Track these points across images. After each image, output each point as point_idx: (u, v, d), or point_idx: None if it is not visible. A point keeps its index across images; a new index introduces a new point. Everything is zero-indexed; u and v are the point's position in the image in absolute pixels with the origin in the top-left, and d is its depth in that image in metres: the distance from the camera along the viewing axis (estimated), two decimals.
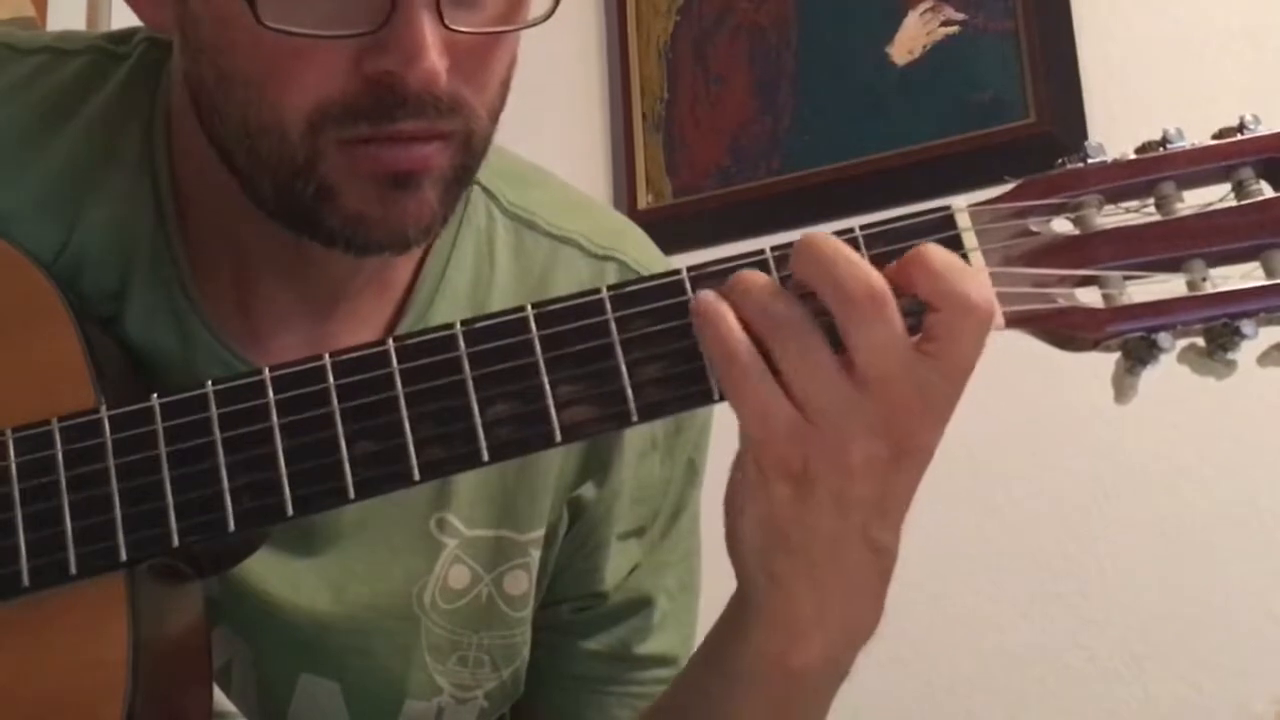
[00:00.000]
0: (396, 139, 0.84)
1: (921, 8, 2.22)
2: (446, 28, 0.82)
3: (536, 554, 1.04)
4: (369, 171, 0.85)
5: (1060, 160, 0.80)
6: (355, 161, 0.85)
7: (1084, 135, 2.03)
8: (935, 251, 0.76)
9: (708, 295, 0.78)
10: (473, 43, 0.85)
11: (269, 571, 0.97)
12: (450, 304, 1.01)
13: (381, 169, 0.85)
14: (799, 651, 0.84)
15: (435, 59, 0.82)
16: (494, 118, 0.90)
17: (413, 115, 0.83)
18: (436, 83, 0.82)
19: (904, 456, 0.78)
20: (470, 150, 0.88)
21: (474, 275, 1.02)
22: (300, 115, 0.84)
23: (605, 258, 1.06)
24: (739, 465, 0.82)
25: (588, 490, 1.04)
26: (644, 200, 2.36)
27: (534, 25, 0.88)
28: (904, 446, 0.77)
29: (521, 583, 1.04)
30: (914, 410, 0.76)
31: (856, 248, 0.78)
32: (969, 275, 0.76)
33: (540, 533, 1.03)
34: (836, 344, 0.76)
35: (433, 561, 1.01)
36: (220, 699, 0.99)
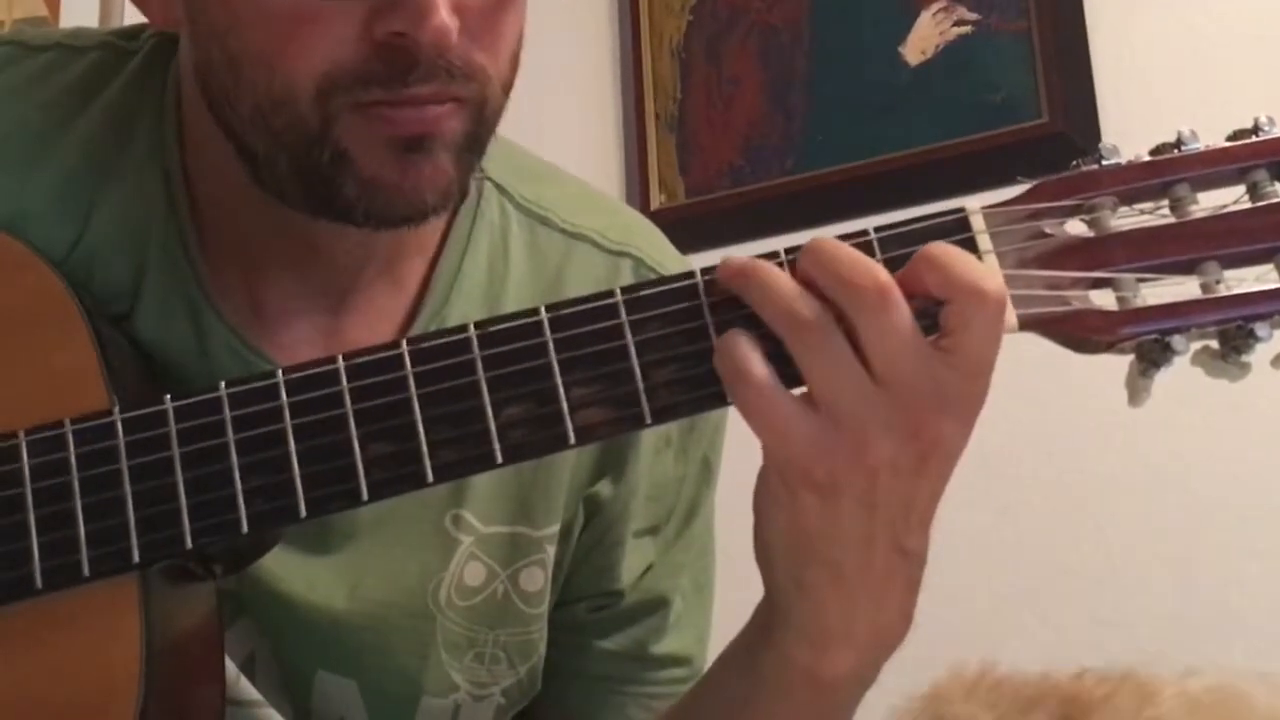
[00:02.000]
0: (410, 103, 0.84)
1: (934, 8, 2.22)
2: None
3: (552, 550, 1.04)
4: (383, 134, 0.85)
5: (1075, 162, 0.80)
6: (369, 123, 0.85)
7: (1097, 135, 2.02)
8: (941, 246, 0.76)
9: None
10: (482, 6, 0.85)
11: (284, 569, 0.97)
12: (466, 301, 1.01)
13: (394, 131, 0.85)
14: (828, 663, 0.84)
15: (445, 16, 0.81)
16: (506, 89, 0.90)
17: (425, 79, 0.83)
18: (448, 39, 0.82)
19: (927, 456, 0.77)
20: (483, 119, 0.88)
21: (489, 272, 1.02)
22: (310, 83, 0.84)
23: (620, 254, 1.06)
24: (764, 477, 0.81)
25: (604, 487, 1.04)
26: (657, 200, 2.35)
27: None
28: (926, 446, 0.76)
29: (537, 579, 1.03)
30: (932, 406, 0.75)
31: (871, 250, 0.78)
32: (977, 265, 0.76)
33: (556, 529, 1.03)
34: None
35: (448, 558, 1.01)
36: (246, 688, 1.00)
